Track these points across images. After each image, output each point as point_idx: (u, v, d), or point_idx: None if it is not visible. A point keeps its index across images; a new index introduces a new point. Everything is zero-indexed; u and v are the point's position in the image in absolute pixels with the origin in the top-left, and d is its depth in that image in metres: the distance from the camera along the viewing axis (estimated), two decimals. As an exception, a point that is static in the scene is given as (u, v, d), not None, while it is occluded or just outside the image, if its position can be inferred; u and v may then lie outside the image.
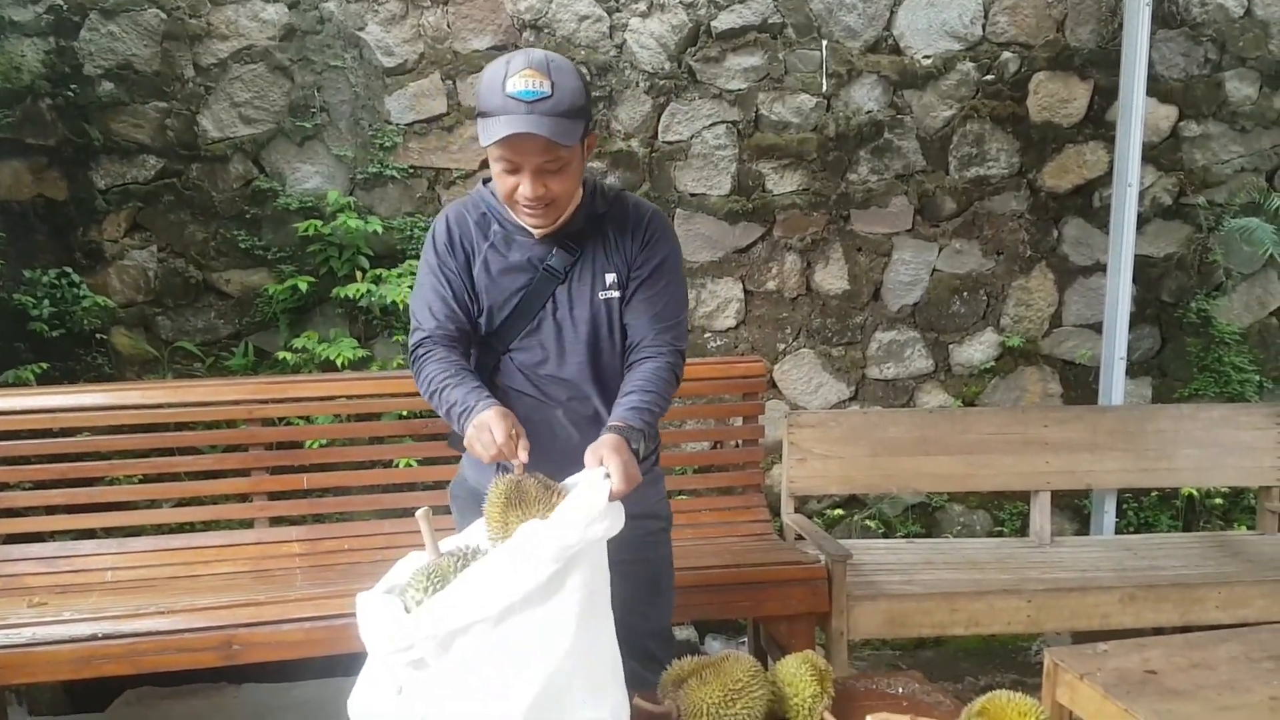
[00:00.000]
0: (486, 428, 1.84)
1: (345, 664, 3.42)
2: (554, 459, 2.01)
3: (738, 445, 3.84)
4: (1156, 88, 4.57)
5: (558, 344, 2.13)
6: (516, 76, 1.86)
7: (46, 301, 3.95)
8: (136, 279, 4.16)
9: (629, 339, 2.16)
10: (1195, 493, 4.61)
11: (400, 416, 3.72)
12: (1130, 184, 4.18)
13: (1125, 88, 4.18)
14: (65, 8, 3.97)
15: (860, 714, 1.94)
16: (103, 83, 4.05)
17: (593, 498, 1.66)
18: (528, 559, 1.52)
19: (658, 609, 2.33)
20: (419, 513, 1.70)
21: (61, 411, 3.41)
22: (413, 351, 2.10)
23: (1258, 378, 4.80)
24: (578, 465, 1.86)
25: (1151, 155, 4.62)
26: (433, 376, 2.01)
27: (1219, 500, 4.68)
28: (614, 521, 1.65)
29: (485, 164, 4.25)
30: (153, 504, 3.64)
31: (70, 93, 4.00)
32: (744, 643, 3.99)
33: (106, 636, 2.81)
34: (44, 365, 3.92)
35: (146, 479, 3.54)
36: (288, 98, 4.18)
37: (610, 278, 2.11)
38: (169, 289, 4.19)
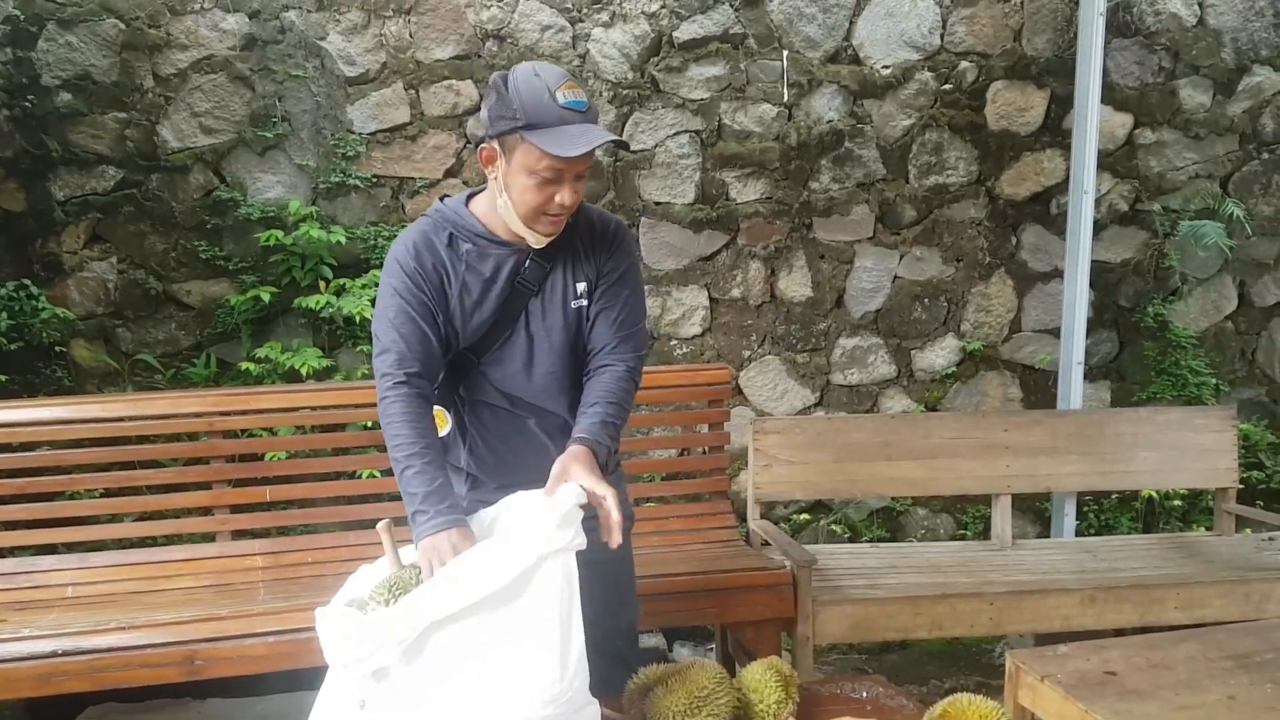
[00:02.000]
0: (437, 553, 1.82)
1: (309, 678, 3.39)
2: (528, 469, 2.07)
3: (704, 452, 3.85)
4: (1112, 96, 4.65)
5: (528, 354, 2.14)
6: (562, 89, 1.91)
7: (4, 314, 3.90)
8: (96, 291, 4.12)
9: (590, 345, 2.18)
10: (1154, 495, 4.68)
11: (365, 428, 3.70)
12: (1086, 191, 4.24)
13: (1081, 96, 4.24)
14: (22, 18, 3.93)
15: (824, 718, 1.95)
16: (61, 93, 4.01)
17: (562, 509, 1.66)
18: (493, 564, 1.52)
19: (627, 609, 2.36)
20: (380, 525, 1.70)
21: (20, 426, 3.37)
22: (381, 383, 2.06)
23: (1214, 381, 4.88)
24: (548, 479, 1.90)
25: (1107, 162, 4.69)
26: (400, 440, 2.00)
27: (1177, 502, 4.74)
28: (580, 535, 1.65)
29: (450, 173, 4.29)
30: (114, 518, 3.61)
31: (28, 103, 3.96)
32: (712, 649, 4.00)
33: (67, 653, 2.78)
34: (2, 378, 3.87)
35: (107, 493, 3.50)
36: (249, 107, 4.16)
37: (581, 287, 2.14)
38: (129, 300, 4.15)
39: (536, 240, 2.06)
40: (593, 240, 2.16)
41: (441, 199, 2.16)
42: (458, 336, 2.11)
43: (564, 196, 1.97)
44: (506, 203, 2.02)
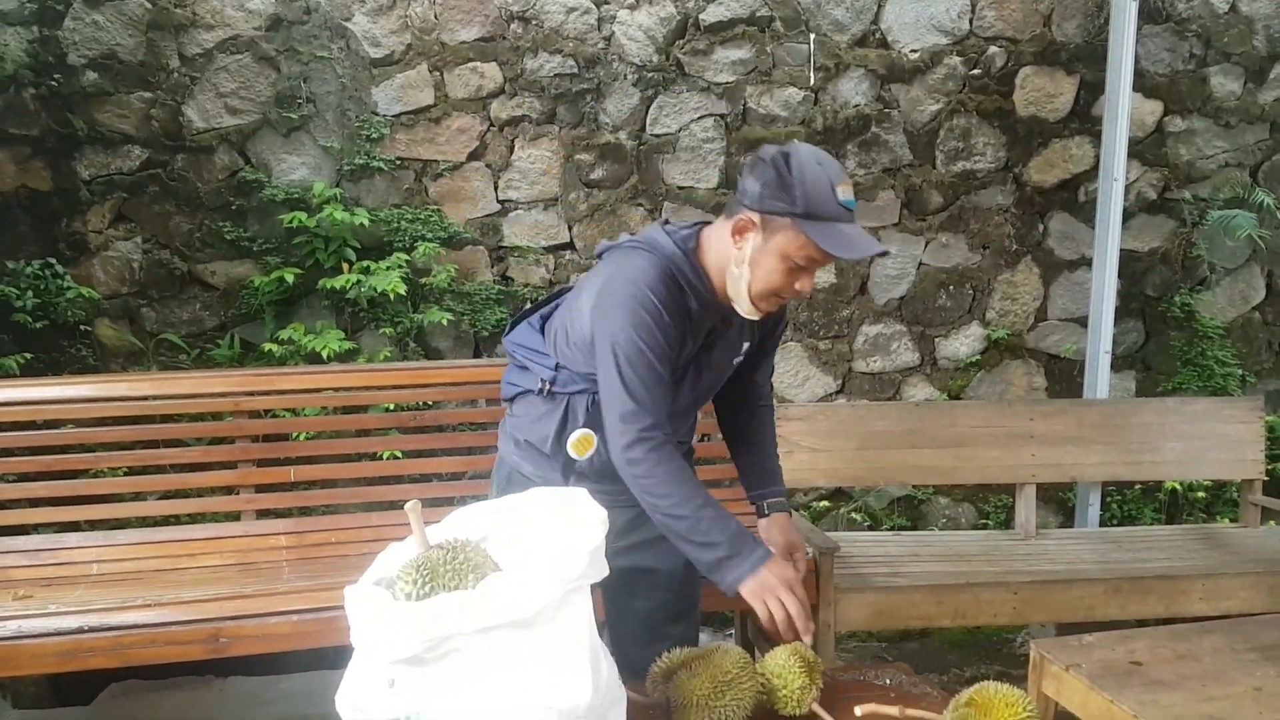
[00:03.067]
0: (769, 589, 1.89)
1: (332, 656, 3.41)
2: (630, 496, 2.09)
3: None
4: (1142, 83, 4.60)
5: (688, 398, 2.17)
6: (843, 186, 1.90)
7: (30, 293, 3.93)
8: (121, 270, 4.14)
9: (743, 387, 2.33)
10: (1178, 486, 4.64)
11: (387, 409, 3.71)
12: (1116, 179, 4.20)
13: (1111, 83, 4.20)
14: (49, -3, 3.95)
15: (848, 705, 1.94)
16: (87, 72, 4.02)
17: (592, 545, 1.65)
18: (526, 587, 1.52)
19: (700, 580, 2.41)
20: (408, 506, 1.69)
21: (45, 404, 3.38)
22: (641, 438, 1.96)
23: (1240, 372, 4.84)
24: None
25: (1136, 150, 4.64)
26: (683, 495, 1.94)
27: (1201, 493, 4.71)
28: (604, 566, 1.65)
29: (474, 156, 4.28)
30: (138, 496, 3.63)
31: (54, 82, 3.97)
32: (731, 634, 4.00)
33: (92, 629, 2.79)
34: (27, 356, 3.90)
35: (132, 471, 3.52)
36: (274, 88, 4.16)
37: (746, 346, 2.20)
38: (154, 280, 4.16)
39: (749, 313, 2.03)
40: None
41: (664, 226, 2.09)
42: None
43: (805, 285, 1.97)
44: (743, 274, 1.98)
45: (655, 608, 2.28)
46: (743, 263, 1.97)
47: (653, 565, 2.25)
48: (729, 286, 2.02)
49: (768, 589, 1.85)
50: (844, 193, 1.90)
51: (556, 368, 2.14)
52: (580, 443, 2.15)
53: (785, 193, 1.90)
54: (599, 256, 2.13)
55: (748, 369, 2.27)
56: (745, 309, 2.02)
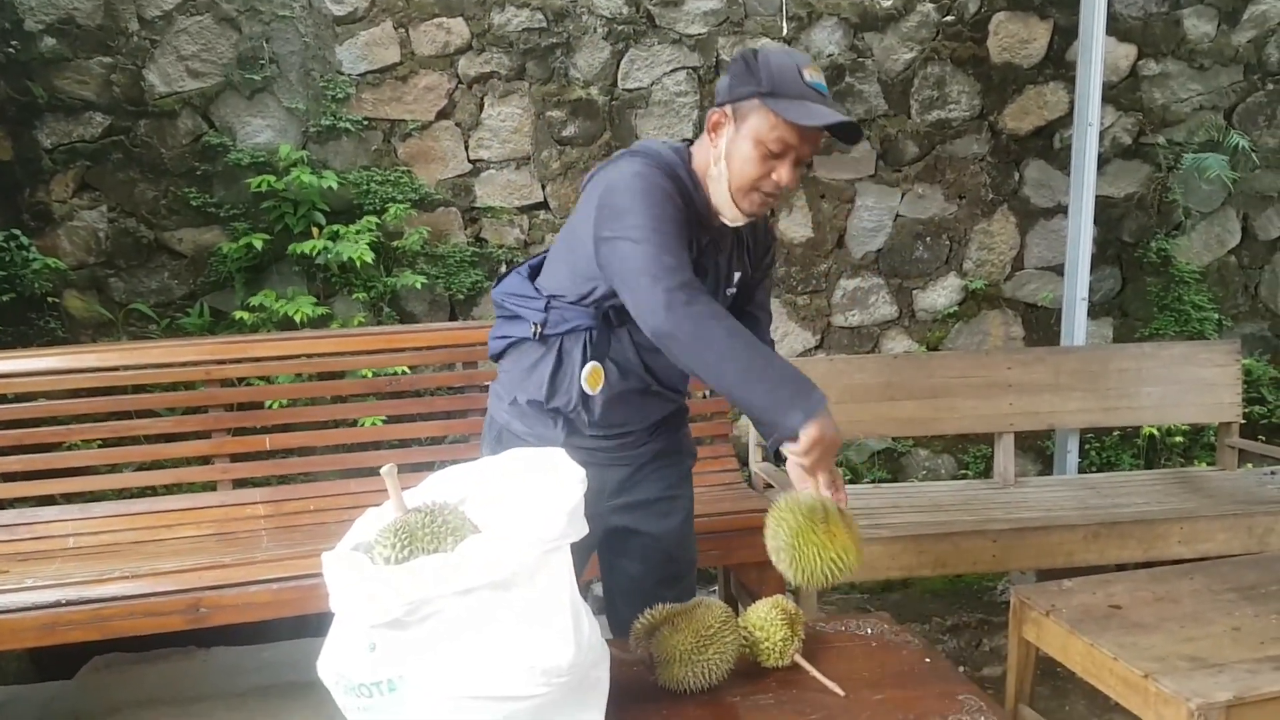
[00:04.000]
0: (833, 448, 1.77)
1: (314, 624, 3.40)
2: (632, 424, 2.17)
3: (705, 396, 3.83)
4: (1116, 26, 4.57)
5: None
6: (810, 69, 1.88)
7: (-6, 265, 3.86)
8: (87, 240, 4.07)
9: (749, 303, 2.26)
10: (1156, 431, 4.67)
11: (363, 375, 3.67)
12: (1091, 124, 4.18)
13: (1085, 27, 4.17)
14: (0, -40, 3.84)
15: (830, 656, 1.95)
16: (45, 38, 3.92)
17: (570, 504, 1.63)
18: (503, 549, 1.51)
19: (694, 539, 2.41)
20: (384, 469, 1.68)
21: (15, 377, 3.34)
22: (684, 285, 1.79)
23: (1216, 316, 4.86)
24: (644, 423, 2.16)
25: (1111, 95, 4.62)
26: (739, 332, 1.78)
27: (1179, 438, 4.74)
28: (583, 524, 1.64)
29: (443, 114, 4.22)
30: (113, 469, 3.60)
31: (11, 49, 3.88)
32: (714, 590, 4.02)
33: (71, 603, 2.78)
34: (-5, 330, 3.85)
35: (106, 443, 3.48)
36: (235, 49, 4.08)
37: (737, 276, 2.15)
38: (120, 249, 4.10)
39: (734, 218, 1.98)
40: (755, 237, 2.17)
41: (676, 148, 2.04)
42: None
43: (782, 174, 1.91)
44: (721, 172, 1.95)
45: (645, 571, 2.28)
46: (720, 159, 1.95)
47: (643, 528, 2.24)
48: (712, 193, 1.99)
49: (827, 441, 1.73)
50: (811, 75, 1.88)
51: (547, 307, 2.09)
52: (592, 376, 2.09)
53: (751, 76, 1.89)
54: (590, 180, 2.05)
55: (743, 301, 2.21)
56: (730, 214, 1.98)
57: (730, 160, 1.93)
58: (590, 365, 2.07)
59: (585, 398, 2.09)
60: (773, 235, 2.27)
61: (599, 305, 2.02)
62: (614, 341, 2.08)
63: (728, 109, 1.93)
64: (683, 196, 1.94)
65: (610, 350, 2.09)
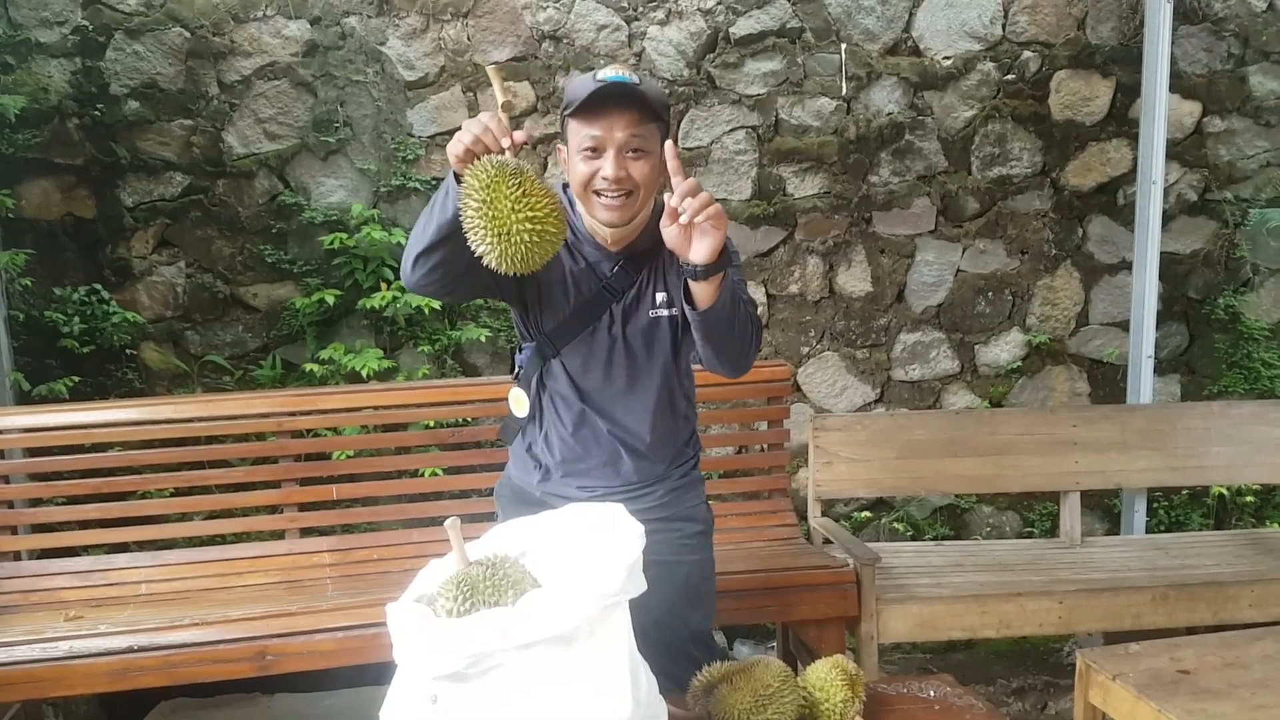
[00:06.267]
0: (475, 123, 1.84)
1: (376, 673, 3.43)
2: (593, 470, 2.18)
3: (763, 450, 3.83)
4: (1179, 84, 4.55)
5: (608, 357, 2.18)
6: (607, 69, 2.01)
7: (76, 318, 4.01)
8: (165, 295, 4.21)
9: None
10: (1225, 491, 4.57)
11: (426, 426, 3.74)
12: (1155, 181, 4.15)
13: (1148, 84, 4.16)
14: (91, 28, 4.03)
15: (893, 718, 1.93)
16: (128, 101, 4.10)
17: (628, 560, 1.66)
18: (563, 604, 1.53)
19: (698, 612, 2.35)
20: (448, 523, 1.71)
21: (93, 427, 3.45)
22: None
23: (1288, 373, 4.76)
24: (616, 479, 2.09)
25: (1176, 152, 4.59)
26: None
27: (1250, 498, 4.63)
28: (642, 581, 1.65)
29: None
30: (184, 517, 3.69)
31: (97, 112, 4.06)
32: (773, 647, 3.99)
33: (142, 649, 2.84)
34: (75, 380, 3.98)
35: (178, 492, 3.58)
36: (311, 113, 4.22)
37: (660, 297, 2.17)
38: (197, 304, 4.23)
39: (605, 235, 2.10)
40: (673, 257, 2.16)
41: (563, 187, 2.19)
42: (540, 312, 2.18)
43: (606, 169, 2.01)
44: (572, 194, 2.10)
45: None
46: (566, 185, 2.12)
47: None
48: (584, 220, 2.13)
49: (457, 135, 1.84)
50: (605, 73, 2.00)
51: (520, 349, 2.31)
52: (515, 400, 2.28)
53: (562, 104, 2.09)
54: None
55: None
56: (601, 232, 2.11)
57: (569, 177, 2.09)
58: (512, 391, 2.27)
59: (547, 438, 2.24)
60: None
61: (526, 338, 2.25)
62: (548, 374, 2.23)
63: (563, 148, 2.10)
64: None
65: (549, 381, 2.23)
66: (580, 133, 2.02)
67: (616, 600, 1.58)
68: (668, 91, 4.38)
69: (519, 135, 1.84)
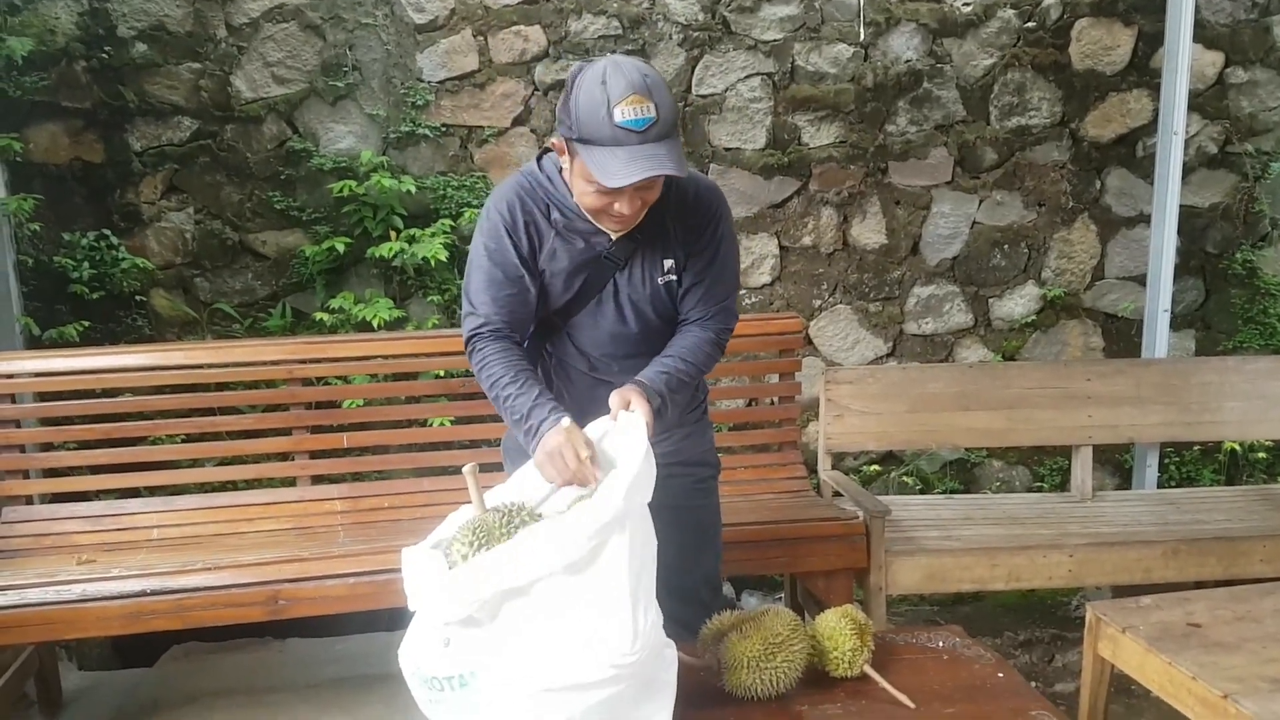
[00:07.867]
0: (559, 454, 1.79)
1: (387, 618, 3.48)
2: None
3: (774, 402, 3.82)
4: (1202, 33, 4.46)
5: (616, 325, 2.16)
6: (623, 105, 1.80)
7: (86, 264, 3.99)
8: (174, 241, 4.19)
9: (680, 314, 2.18)
10: (1238, 446, 4.55)
11: (436, 376, 3.73)
12: (1175, 132, 4.09)
13: (1171, 33, 4.08)
14: (98, -31, 3.97)
15: (900, 668, 1.94)
16: (136, 44, 4.05)
17: (632, 448, 1.65)
18: (570, 530, 1.53)
19: (708, 555, 2.38)
20: (466, 469, 1.72)
21: (105, 372, 3.46)
22: (470, 339, 2.09)
23: (1304, 330, 4.72)
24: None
25: (1197, 103, 4.52)
26: (496, 378, 2.01)
27: (1263, 454, 4.61)
28: (650, 488, 1.65)
29: (518, 121, 4.27)
30: (195, 463, 3.70)
31: (104, 55, 4.01)
32: (780, 598, 4.00)
33: (154, 593, 2.87)
34: (85, 325, 3.98)
35: (189, 438, 3.59)
36: (320, 57, 4.17)
37: (668, 264, 2.13)
38: (206, 251, 4.21)
39: (612, 233, 2.06)
40: (683, 217, 2.12)
41: (541, 155, 2.13)
42: (546, 298, 2.12)
43: (622, 207, 1.93)
44: (553, 172, 2.05)
45: None
46: (571, 182, 2.00)
47: None
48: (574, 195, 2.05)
49: (552, 453, 1.80)
50: (622, 113, 1.79)
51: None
52: None
53: (567, 116, 1.88)
54: None
55: (686, 299, 2.17)
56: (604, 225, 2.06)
57: (574, 189, 1.98)
58: None
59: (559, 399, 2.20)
60: (710, 210, 2.15)
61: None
62: (554, 343, 2.22)
63: (560, 141, 1.94)
64: (527, 206, 2.05)
65: (555, 349, 2.22)
66: (592, 180, 1.88)
67: (613, 526, 1.57)
68: (681, 37, 4.31)
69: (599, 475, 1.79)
